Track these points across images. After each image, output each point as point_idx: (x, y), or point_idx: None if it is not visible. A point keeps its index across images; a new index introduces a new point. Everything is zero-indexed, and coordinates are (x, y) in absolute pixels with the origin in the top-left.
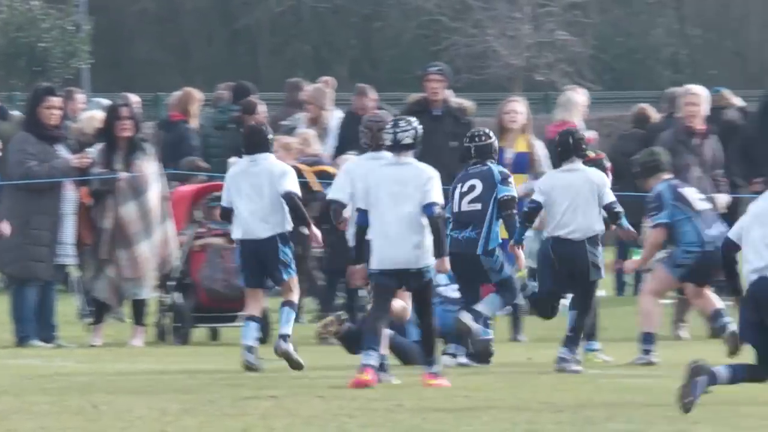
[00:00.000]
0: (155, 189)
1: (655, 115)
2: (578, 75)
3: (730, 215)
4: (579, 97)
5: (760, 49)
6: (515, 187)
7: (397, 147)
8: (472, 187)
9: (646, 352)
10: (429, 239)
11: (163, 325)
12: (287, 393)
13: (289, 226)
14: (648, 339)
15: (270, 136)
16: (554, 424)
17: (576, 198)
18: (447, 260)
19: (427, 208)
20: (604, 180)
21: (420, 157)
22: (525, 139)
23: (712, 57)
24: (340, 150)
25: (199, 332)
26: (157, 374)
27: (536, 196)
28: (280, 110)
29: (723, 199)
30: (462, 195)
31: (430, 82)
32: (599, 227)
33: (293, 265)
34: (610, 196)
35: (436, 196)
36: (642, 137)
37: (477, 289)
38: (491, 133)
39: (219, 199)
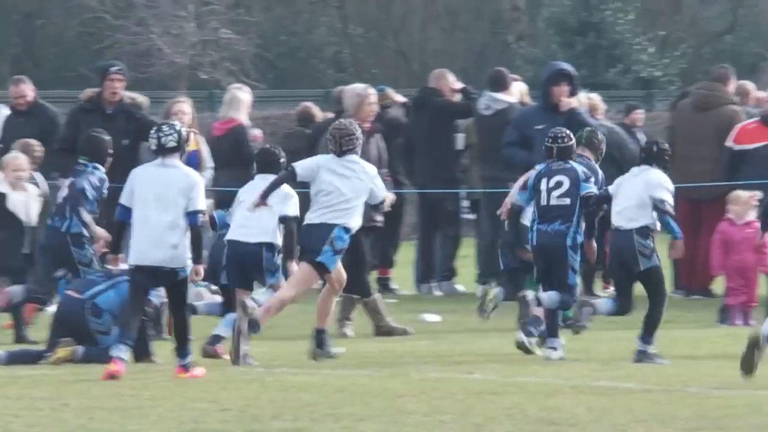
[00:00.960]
0: None
1: (319, 113)
2: (243, 73)
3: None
4: (244, 95)
5: (421, 48)
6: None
7: (162, 150)
8: (559, 183)
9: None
10: (186, 242)
11: None
12: None
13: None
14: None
15: (282, 159)
16: (221, 423)
17: (634, 194)
18: (201, 268)
19: (192, 217)
20: (661, 179)
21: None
22: (193, 139)
23: (374, 56)
24: (4, 146)
25: None
26: None
27: (610, 187)
28: None
29: (389, 196)
30: (550, 190)
31: (112, 82)
32: (650, 222)
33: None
34: (659, 194)
35: (201, 203)
36: (306, 135)
37: (563, 278)
38: (572, 135)
39: None
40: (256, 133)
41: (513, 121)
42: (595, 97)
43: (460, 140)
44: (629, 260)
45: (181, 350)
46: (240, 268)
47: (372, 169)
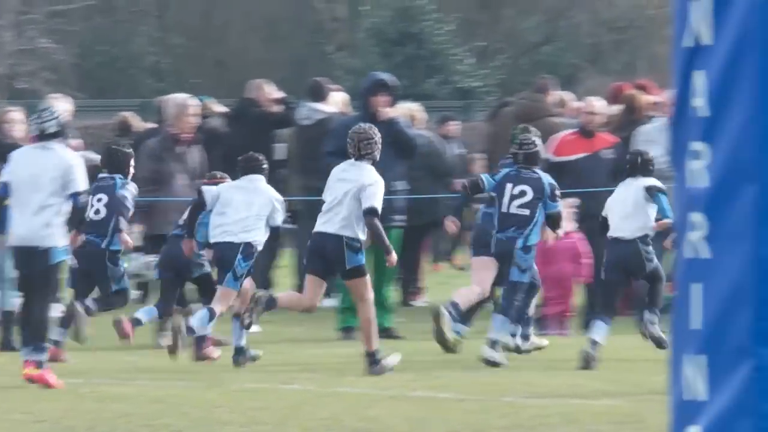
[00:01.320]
0: None
1: (137, 123)
2: (62, 83)
3: None
4: (63, 105)
5: (241, 56)
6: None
7: (44, 136)
8: (523, 192)
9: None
10: (59, 222)
11: None
12: None
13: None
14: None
15: (264, 165)
16: None
17: (626, 205)
18: (80, 237)
19: (73, 198)
20: (654, 182)
21: None
22: None
23: (194, 65)
24: None
25: None
26: None
27: (604, 211)
28: None
29: None
30: (512, 197)
31: None
32: (649, 228)
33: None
34: (650, 182)
35: (81, 184)
36: (126, 146)
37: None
38: (537, 140)
39: None
40: (74, 143)
41: (332, 131)
42: (415, 108)
43: (279, 150)
44: (634, 267)
45: (37, 344)
46: (219, 267)
47: (369, 175)
